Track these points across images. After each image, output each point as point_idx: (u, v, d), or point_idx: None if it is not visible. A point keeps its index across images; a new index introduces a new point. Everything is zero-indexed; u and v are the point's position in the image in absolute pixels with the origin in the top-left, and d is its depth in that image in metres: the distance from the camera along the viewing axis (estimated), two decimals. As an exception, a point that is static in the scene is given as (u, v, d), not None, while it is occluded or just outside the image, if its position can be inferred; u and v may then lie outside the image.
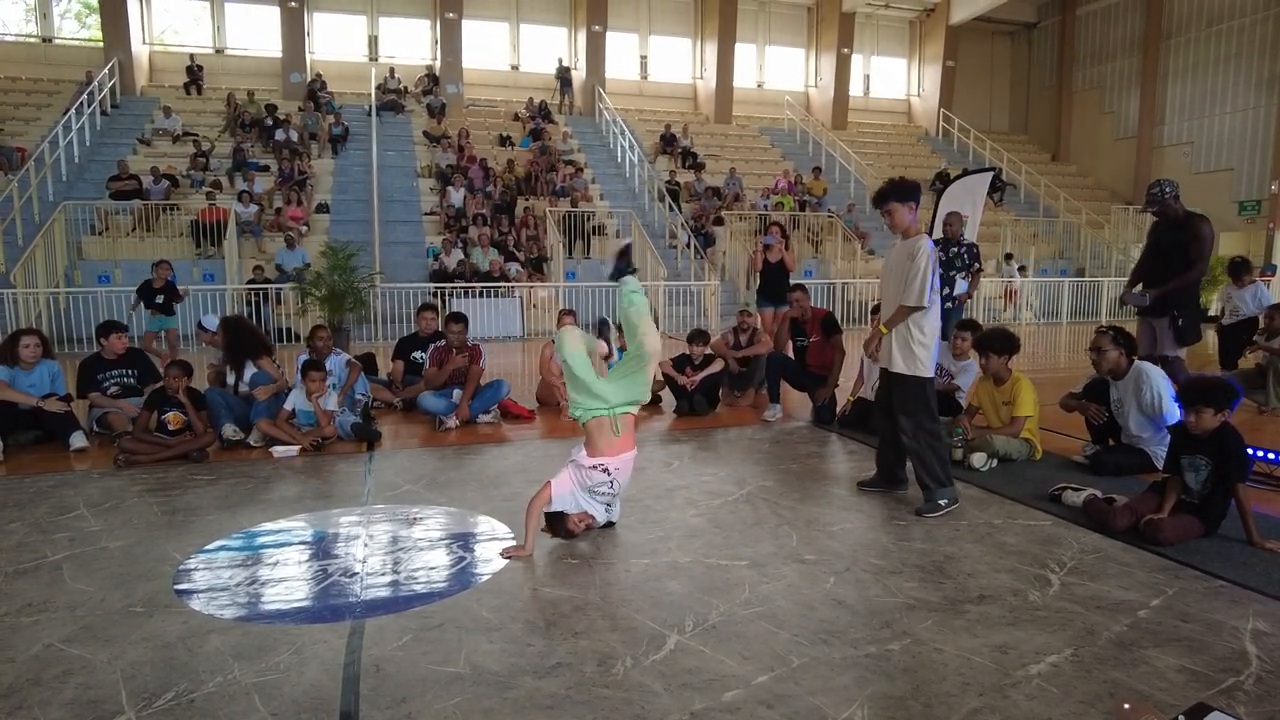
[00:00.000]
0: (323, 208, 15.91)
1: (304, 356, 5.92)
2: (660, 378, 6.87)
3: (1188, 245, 5.35)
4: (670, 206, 16.66)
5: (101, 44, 18.86)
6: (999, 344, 5.12)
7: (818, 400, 6.10)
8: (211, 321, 6.77)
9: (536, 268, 14.62)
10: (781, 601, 2.94)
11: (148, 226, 14.53)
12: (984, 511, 4.01)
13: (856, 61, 23.72)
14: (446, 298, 12.84)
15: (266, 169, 16.41)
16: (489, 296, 13.16)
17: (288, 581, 3.15)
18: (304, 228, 14.87)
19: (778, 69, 24.00)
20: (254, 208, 14.67)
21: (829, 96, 23.14)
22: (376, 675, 2.42)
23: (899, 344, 3.96)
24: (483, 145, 18.43)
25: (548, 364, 6.70)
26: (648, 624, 2.76)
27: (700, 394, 6.40)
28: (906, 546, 3.52)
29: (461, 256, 14.14)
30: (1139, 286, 5.63)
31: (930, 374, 3.99)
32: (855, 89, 23.98)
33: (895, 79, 25.13)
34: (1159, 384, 4.60)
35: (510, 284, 13.64)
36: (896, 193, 3.96)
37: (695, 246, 15.34)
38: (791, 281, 7.36)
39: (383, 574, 3.24)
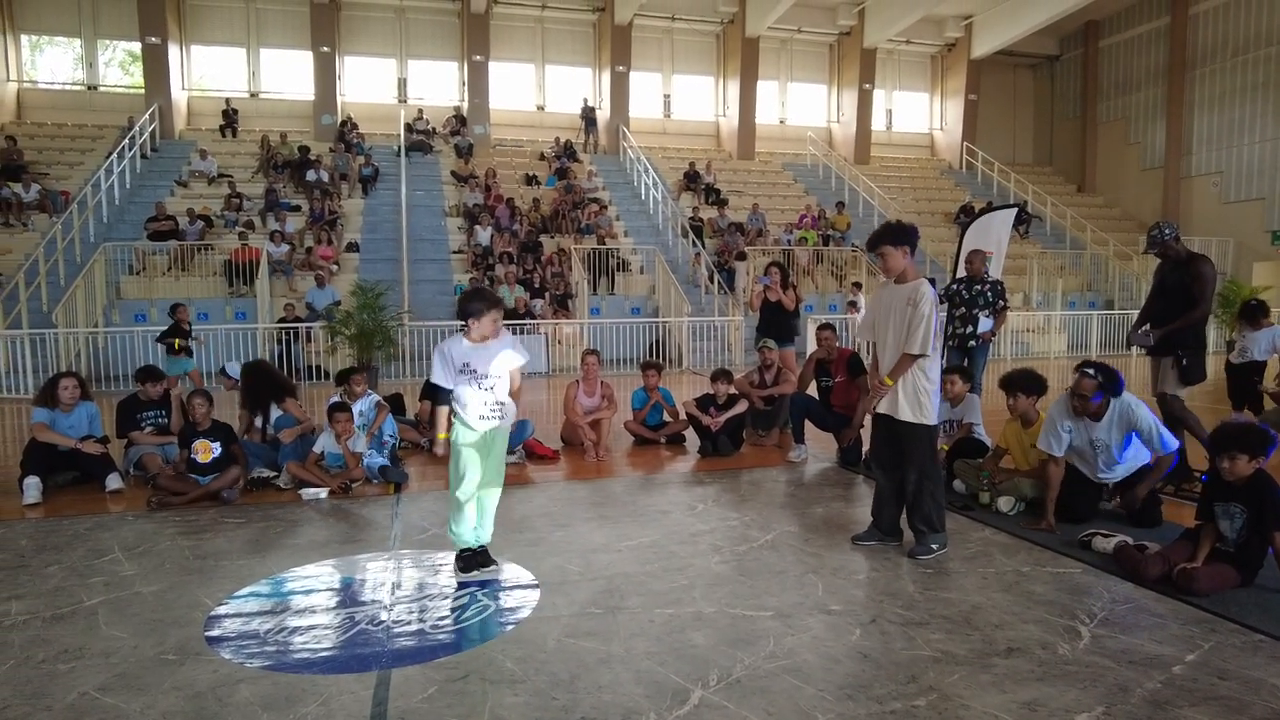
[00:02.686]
0: (352, 247, 16.22)
1: (335, 398, 6.03)
2: (684, 418, 6.90)
3: (1190, 285, 5.34)
4: (693, 242, 16.77)
5: (143, 90, 19.52)
6: (1026, 385, 5.06)
7: (843, 441, 6.07)
8: (235, 369, 6.90)
9: (561, 304, 14.76)
10: (807, 655, 2.92)
11: (183, 266, 14.92)
12: (1012, 558, 3.96)
13: (878, 96, 23.86)
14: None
15: (298, 209, 16.80)
16: (514, 334, 13.27)
17: (315, 630, 3.19)
18: (334, 267, 15.16)
19: (800, 105, 24.22)
20: (285, 247, 15.00)
21: (851, 131, 23.27)
22: (402, 729, 2.44)
23: (906, 393, 3.91)
24: (509, 185, 18.74)
25: (572, 404, 6.77)
26: (672, 678, 2.75)
27: (724, 434, 6.41)
28: (933, 596, 3.48)
29: (488, 294, 14.29)
30: (1146, 326, 5.61)
31: (935, 421, 3.98)
32: (878, 123, 24.09)
33: (917, 113, 25.23)
34: (1145, 410, 4.45)
35: (535, 321, 13.78)
36: (891, 236, 3.93)
37: (719, 282, 15.41)
38: (807, 320, 7.37)
39: (409, 623, 3.26)
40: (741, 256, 16.41)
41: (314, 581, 3.76)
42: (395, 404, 7.32)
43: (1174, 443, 4.40)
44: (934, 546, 3.96)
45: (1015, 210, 10.65)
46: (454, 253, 16.50)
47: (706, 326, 14.41)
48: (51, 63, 20.56)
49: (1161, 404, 5.53)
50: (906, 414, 3.92)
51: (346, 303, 13.76)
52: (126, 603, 3.51)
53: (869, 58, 22.95)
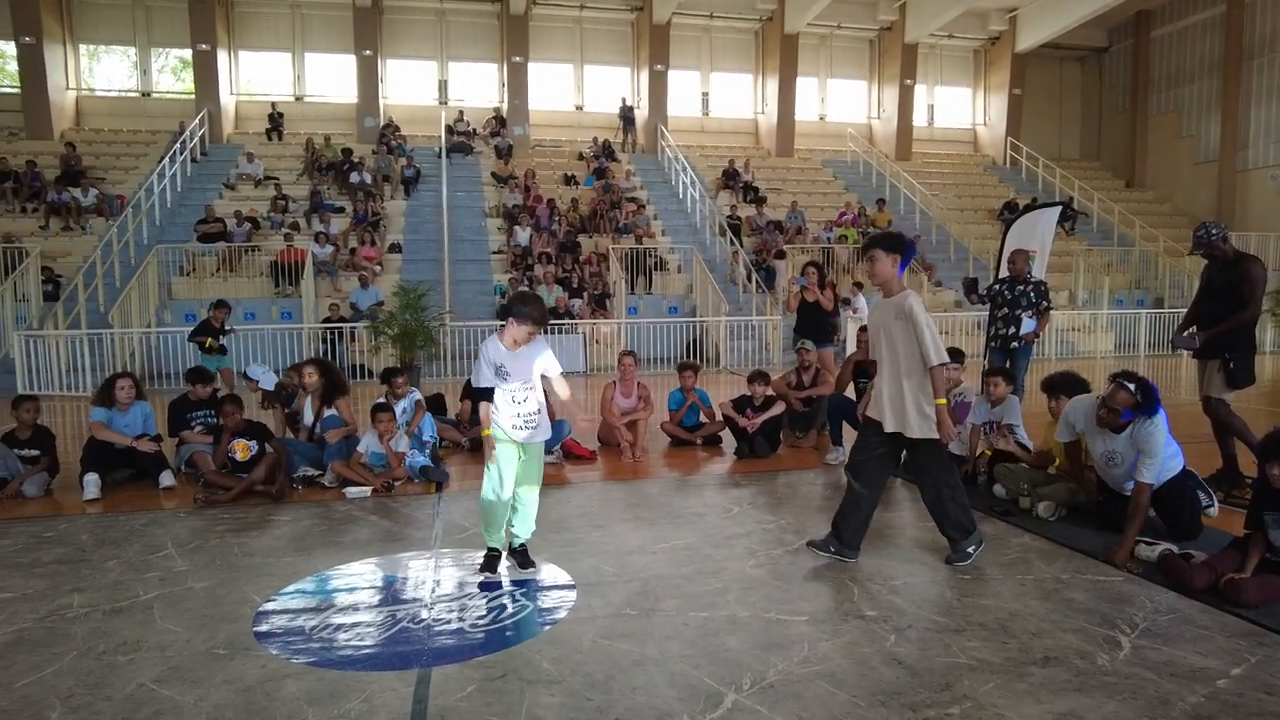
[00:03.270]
0: (395, 247, 16.48)
1: (380, 399, 6.17)
2: (720, 419, 6.91)
3: (1239, 286, 5.18)
4: (731, 241, 16.73)
5: (194, 96, 20.07)
6: (1070, 387, 4.98)
7: (881, 444, 6.02)
8: (256, 372, 7.08)
9: (599, 304, 14.84)
10: (840, 660, 2.93)
11: (231, 267, 15.32)
12: (1051, 565, 3.91)
13: (920, 92, 23.54)
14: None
15: (342, 210, 17.12)
16: (553, 333, 13.41)
17: (358, 628, 3.28)
18: (378, 267, 15.43)
19: (840, 101, 23.99)
20: (330, 248, 15.30)
21: (892, 128, 23.00)
22: (442, 726, 2.51)
23: (914, 407, 3.79)
24: (548, 185, 18.87)
25: (609, 405, 6.82)
26: (706, 681, 2.78)
27: (761, 436, 6.40)
28: (970, 603, 3.46)
29: (526, 294, 14.46)
30: (1192, 329, 5.45)
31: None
32: (919, 119, 23.77)
33: (960, 108, 24.82)
34: (1161, 438, 4.11)
35: (574, 321, 13.88)
36: (885, 241, 3.91)
37: (757, 281, 15.35)
38: (847, 319, 7.32)
39: (449, 622, 3.34)
40: (780, 255, 16.33)
41: (357, 579, 3.86)
42: (436, 404, 7.45)
43: (1155, 478, 4.04)
44: (970, 550, 3.91)
45: (1060, 208, 10.43)
46: (494, 253, 16.68)
47: (744, 326, 14.37)
48: (108, 71, 21.24)
49: (1206, 408, 5.40)
50: (915, 429, 3.82)
51: (389, 303, 14.00)
52: (180, 598, 3.65)
53: (910, 53, 22.64)
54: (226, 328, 10.36)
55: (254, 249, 15.61)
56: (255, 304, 14.60)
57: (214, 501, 5.29)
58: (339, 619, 3.37)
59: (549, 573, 3.91)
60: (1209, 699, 2.63)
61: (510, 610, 3.43)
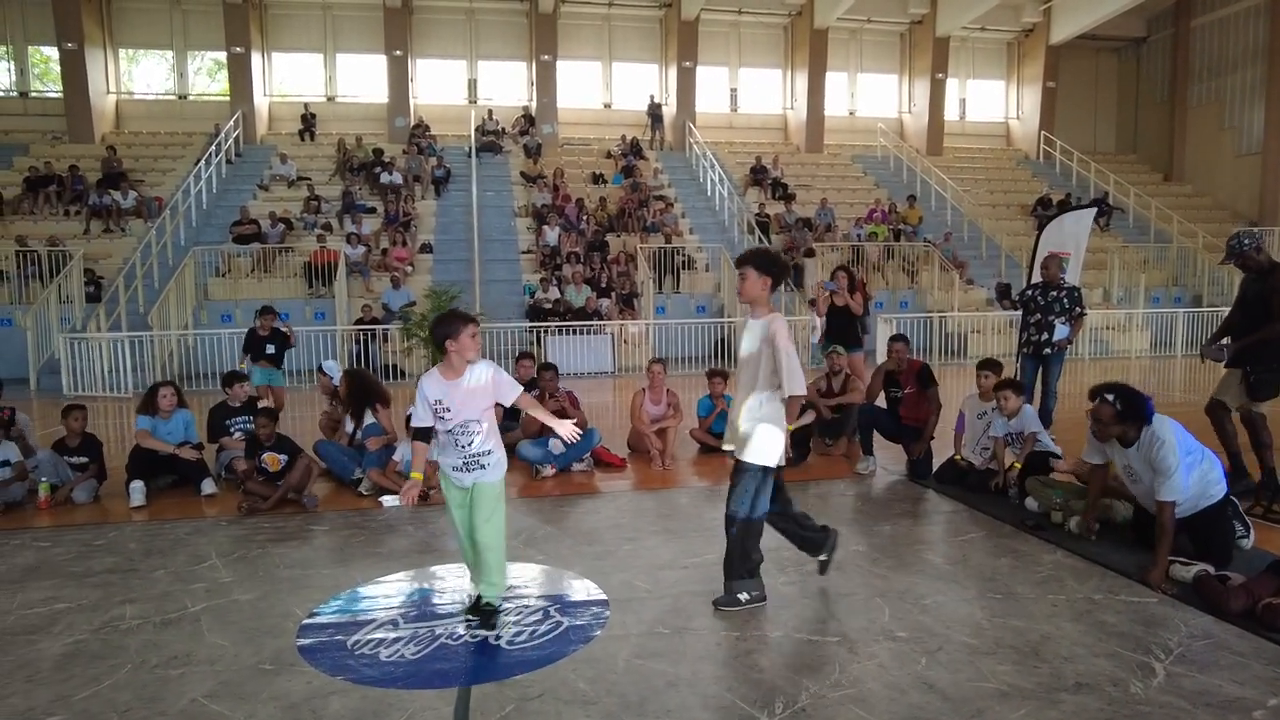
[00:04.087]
0: (426, 248, 16.66)
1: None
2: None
3: (1270, 299, 5.09)
4: (760, 239, 16.68)
5: (228, 98, 20.42)
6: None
7: (913, 454, 6.02)
8: (332, 367, 7.19)
9: (627, 303, 14.90)
10: (872, 684, 2.96)
11: (265, 268, 15.60)
12: (1084, 584, 3.90)
13: (951, 85, 23.25)
14: (543, 335, 13.27)
15: (373, 211, 17.34)
16: (582, 334, 13.50)
17: (398, 644, 3.37)
18: (409, 268, 15.61)
19: (870, 96, 23.77)
20: (362, 249, 15.51)
21: (923, 122, 22.75)
22: (481, 748, 2.59)
23: (762, 432, 3.61)
24: (576, 183, 18.94)
25: (638, 412, 6.88)
26: (738, 704, 2.83)
27: (793, 445, 6.40)
28: (1001, 624, 3.47)
29: (557, 294, 14.56)
30: (1225, 340, 5.38)
31: (774, 464, 3.67)
32: (951, 113, 23.47)
33: (993, 102, 24.47)
34: (1171, 449, 3.94)
35: (602, 321, 13.95)
36: (757, 259, 3.65)
37: (787, 280, 15.29)
38: (878, 319, 7.30)
39: (486, 638, 3.42)
40: (810, 253, 16.27)
41: (395, 593, 3.96)
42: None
43: (1177, 495, 3.87)
44: (742, 597, 3.65)
45: (1095, 209, 10.28)
46: (523, 253, 16.80)
47: (812, 327, 14.28)
48: (145, 74, 21.67)
49: (1209, 410, 5.35)
50: (750, 454, 3.65)
51: (421, 304, 14.18)
52: (225, 610, 3.77)
53: (942, 46, 22.37)
54: (283, 329, 9.38)
55: (288, 250, 15.87)
56: (289, 304, 14.82)
57: (256, 509, 5.43)
58: (379, 634, 3.46)
59: (582, 587, 3.97)
60: (1244, 730, 2.62)
61: (546, 627, 3.50)
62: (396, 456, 5.81)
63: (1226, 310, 5.68)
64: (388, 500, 5.53)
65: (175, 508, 5.68)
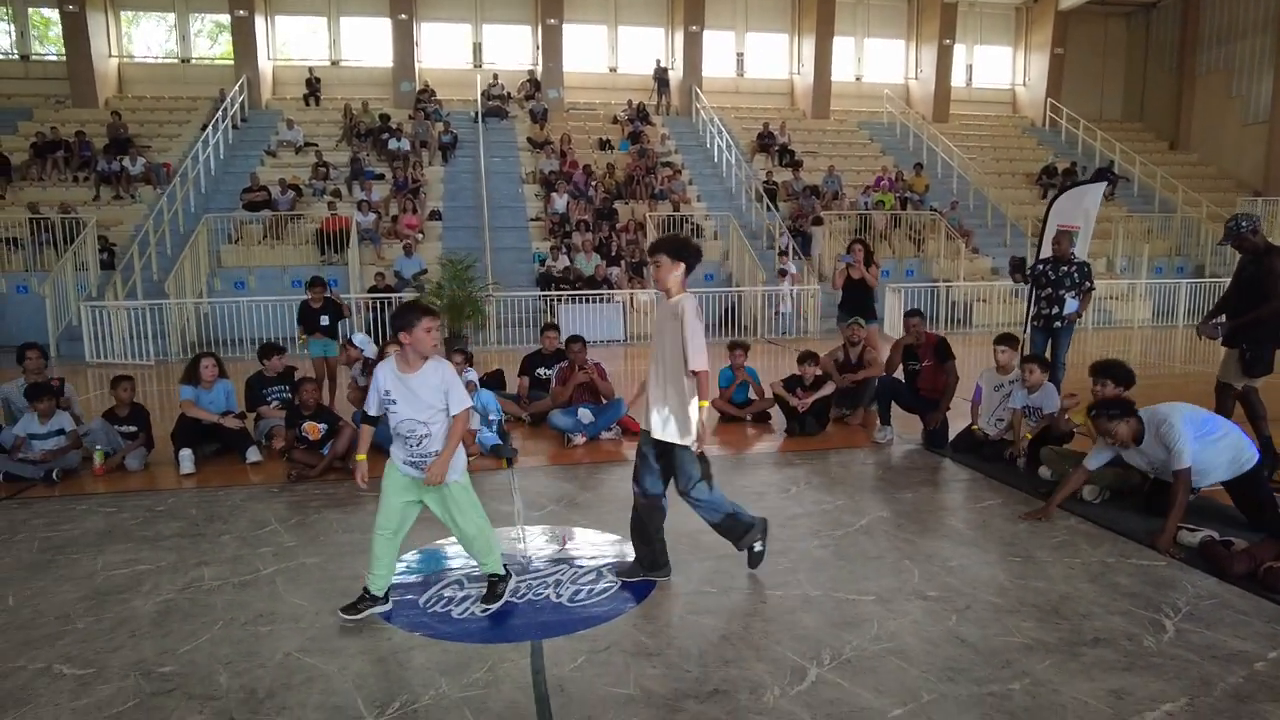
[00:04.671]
0: (435, 214, 16.74)
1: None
2: (769, 397, 7.18)
3: (1264, 280, 5.31)
4: (768, 207, 16.80)
5: (231, 62, 20.29)
6: (1116, 374, 5.13)
7: (930, 425, 6.28)
8: (363, 340, 7.38)
9: (636, 272, 15.06)
10: (908, 638, 3.24)
11: (277, 235, 15.69)
12: (1097, 549, 4.18)
13: (958, 51, 23.16)
14: (553, 304, 13.46)
15: (381, 177, 17.37)
16: (593, 302, 13.69)
17: (465, 602, 3.64)
18: (420, 235, 15.71)
19: (876, 62, 23.68)
20: (372, 216, 15.60)
21: (930, 89, 22.71)
22: (562, 695, 2.86)
23: (676, 410, 3.61)
24: (583, 150, 18.95)
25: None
26: (789, 655, 3.11)
27: (811, 415, 6.68)
28: (1023, 585, 3.75)
29: (567, 262, 14.72)
30: (1219, 318, 5.63)
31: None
32: (957, 79, 23.43)
33: (999, 68, 24.40)
34: (1176, 426, 4.23)
35: (612, 290, 14.13)
36: (670, 247, 3.67)
37: (794, 248, 15.46)
38: (885, 289, 7.50)
39: (546, 596, 3.69)
40: (818, 221, 16.39)
41: (454, 555, 4.22)
42: (496, 380, 7.78)
43: (1189, 460, 4.14)
44: (757, 546, 3.82)
45: (1105, 183, 10.42)
46: (532, 220, 16.88)
47: (780, 294, 14.51)
48: (145, 37, 21.49)
49: (1217, 390, 5.60)
50: (658, 430, 3.66)
51: (433, 273, 14.33)
52: (296, 572, 4.03)
53: (950, 12, 22.27)
54: (335, 300, 9.14)
55: (298, 217, 15.96)
56: (302, 271, 14.93)
57: (305, 476, 5.69)
58: (447, 593, 3.73)
59: (628, 550, 4.23)
60: (1247, 680, 2.90)
61: (602, 586, 3.77)
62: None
63: (1228, 281, 5.90)
64: (429, 468, 5.78)
65: (222, 475, 5.93)
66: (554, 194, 16.73)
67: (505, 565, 3.72)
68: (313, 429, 6.07)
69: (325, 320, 8.68)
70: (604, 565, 4.04)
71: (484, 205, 16.04)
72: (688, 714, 2.73)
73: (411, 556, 4.22)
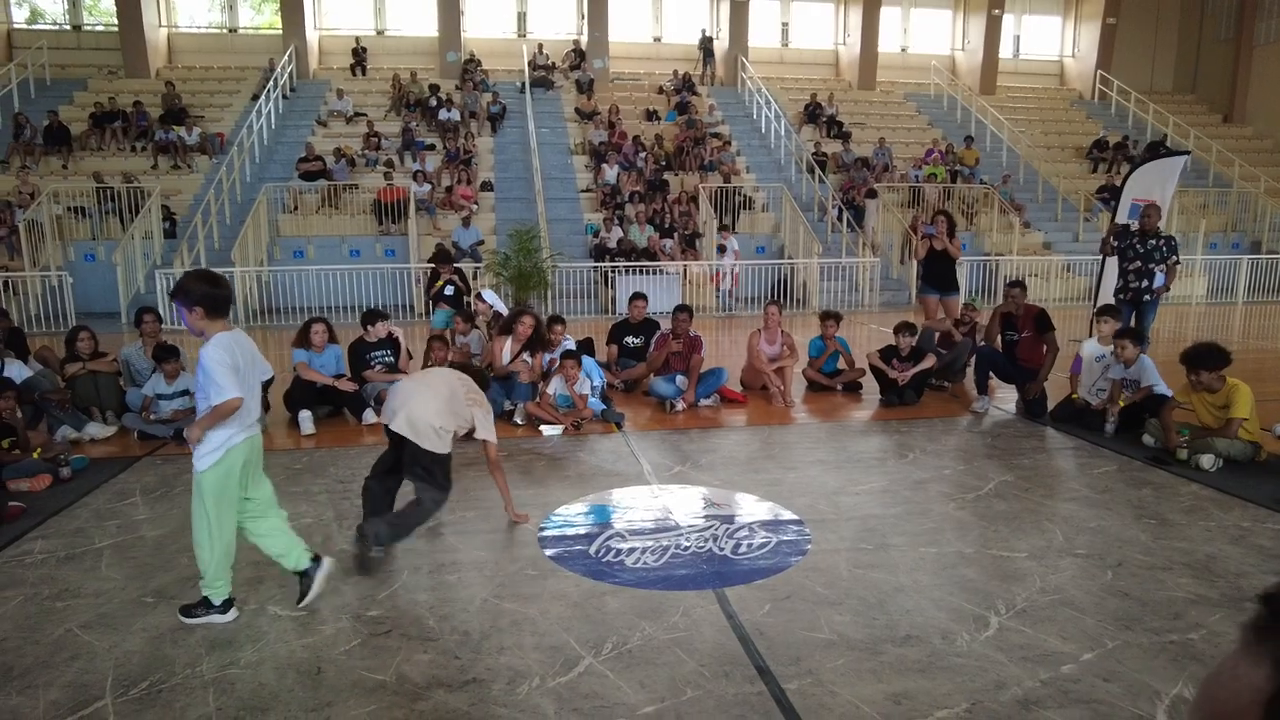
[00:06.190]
0: (486, 185, 16.85)
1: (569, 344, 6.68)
2: (860, 367, 7.31)
3: None
4: (819, 179, 16.77)
5: (279, 31, 20.38)
6: (1210, 361, 5.18)
7: (1029, 395, 6.38)
8: (490, 295, 7.52)
9: (689, 244, 15.12)
10: (1073, 591, 3.39)
11: (334, 204, 15.88)
12: (1229, 514, 4.29)
13: (1006, 21, 22.82)
14: (611, 275, 13.58)
15: (433, 148, 17.48)
16: (650, 274, 13.79)
17: (636, 553, 3.82)
18: (474, 205, 15.84)
19: (923, 32, 23.42)
20: (427, 186, 15.74)
21: (977, 60, 22.44)
22: (762, 638, 3.04)
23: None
24: (630, 119, 18.93)
25: (755, 351, 7.25)
26: (965, 605, 3.27)
27: (910, 386, 6.79)
28: (1166, 545, 3.88)
29: (620, 234, 14.80)
30: None
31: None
32: (1004, 50, 23.10)
33: (1048, 39, 24.03)
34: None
35: (667, 261, 14.21)
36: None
37: (848, 220, 15.45)
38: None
39: (708, 549, 3.86)
40: (872, 194, 16.35)
41: (609, 508, 4.40)
42: (587, 348, 7.93)
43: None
44: (375, 553, 3.64)
45: (1184, 157, 10.38)
46: (582, 191, 16.95)
47: (834, 267, 14.56)
48: (191, 6, 21.61)
49: None
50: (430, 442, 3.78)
51: (490, 243, 14.49)
52: (460, 523, 4.23)
53: (1001, -19, 21.92)
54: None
55: (353, 187, 16.13)
56: (360, 242, 15.20)
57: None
58: (617, 545, 3.92)
59: (769, 509, 4.40)
60: None
61: (759, 540, 3.95)
62: (550, 390, 6.23)
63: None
64: (547, 429, 5.97)
65: (339, 436, 6.15)
66: (604, 165, 16.77)
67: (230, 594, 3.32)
68: None
69: (450, 291, 8.88)
70: (753, 522, 4.20)
71: (535, 176, 16.12)
72: (889, 657, 2.90)
73: (578, 508, 4.41)
